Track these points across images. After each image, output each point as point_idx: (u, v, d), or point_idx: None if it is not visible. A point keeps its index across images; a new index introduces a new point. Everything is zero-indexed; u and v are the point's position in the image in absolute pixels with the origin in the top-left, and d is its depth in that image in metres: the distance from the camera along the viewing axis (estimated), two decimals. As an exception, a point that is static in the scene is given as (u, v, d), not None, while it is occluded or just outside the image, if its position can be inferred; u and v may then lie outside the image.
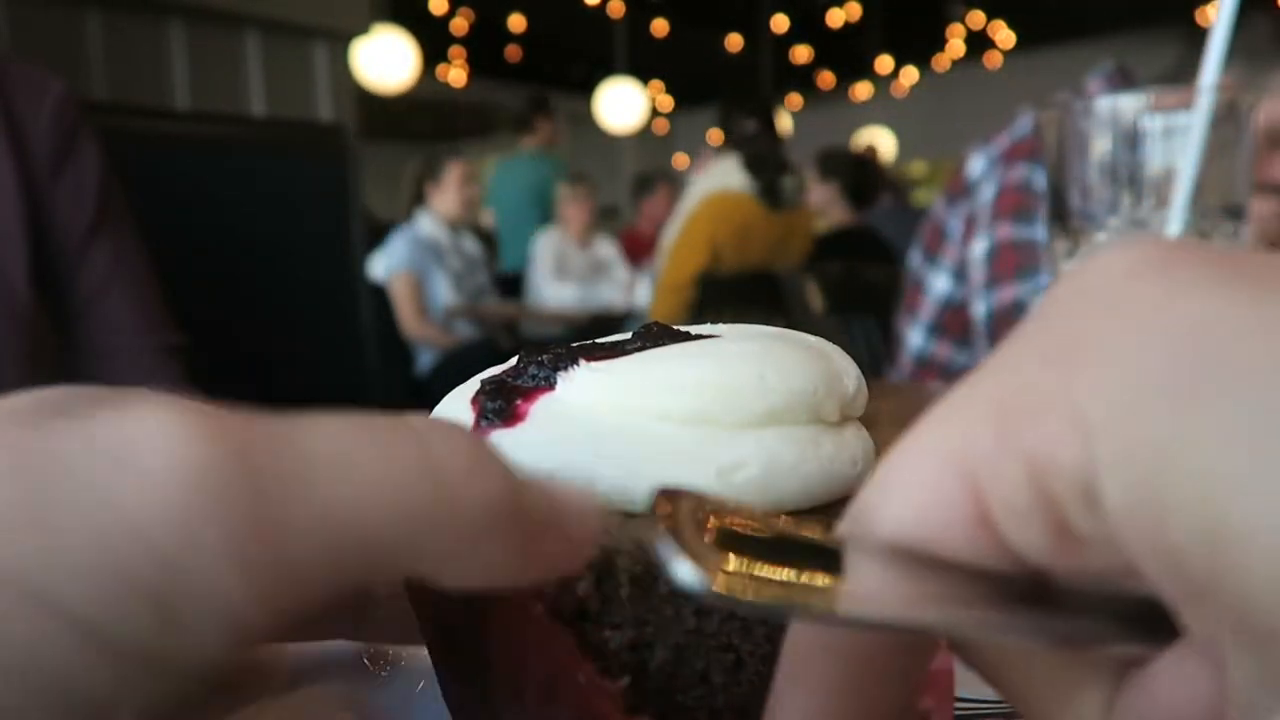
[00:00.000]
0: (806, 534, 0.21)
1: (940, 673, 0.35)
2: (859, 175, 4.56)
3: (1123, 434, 0.17)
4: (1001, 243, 1.83)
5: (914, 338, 2.07)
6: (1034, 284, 1.78)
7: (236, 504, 0.18)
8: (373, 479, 0.20)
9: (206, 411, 0.19)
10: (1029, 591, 0.20)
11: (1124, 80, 1.85)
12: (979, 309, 1.90)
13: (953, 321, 2.03)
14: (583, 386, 0.32)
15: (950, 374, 1.95)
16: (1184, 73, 1.81)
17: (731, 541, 0.19)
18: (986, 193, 1.90)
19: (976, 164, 1.99)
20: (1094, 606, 0.20)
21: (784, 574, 0.19)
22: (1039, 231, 1.78)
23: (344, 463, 0.20)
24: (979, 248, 1.89)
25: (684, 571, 0.18)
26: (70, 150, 1.11)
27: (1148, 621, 0.19)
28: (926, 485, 0.20)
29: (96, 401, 0.19)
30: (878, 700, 0.22)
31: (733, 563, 0.19)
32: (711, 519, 0.20)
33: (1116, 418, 0.17)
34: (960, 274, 1.99)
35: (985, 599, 0.19)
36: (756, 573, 0.19)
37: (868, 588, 0.19)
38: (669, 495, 0.20)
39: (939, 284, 2.04)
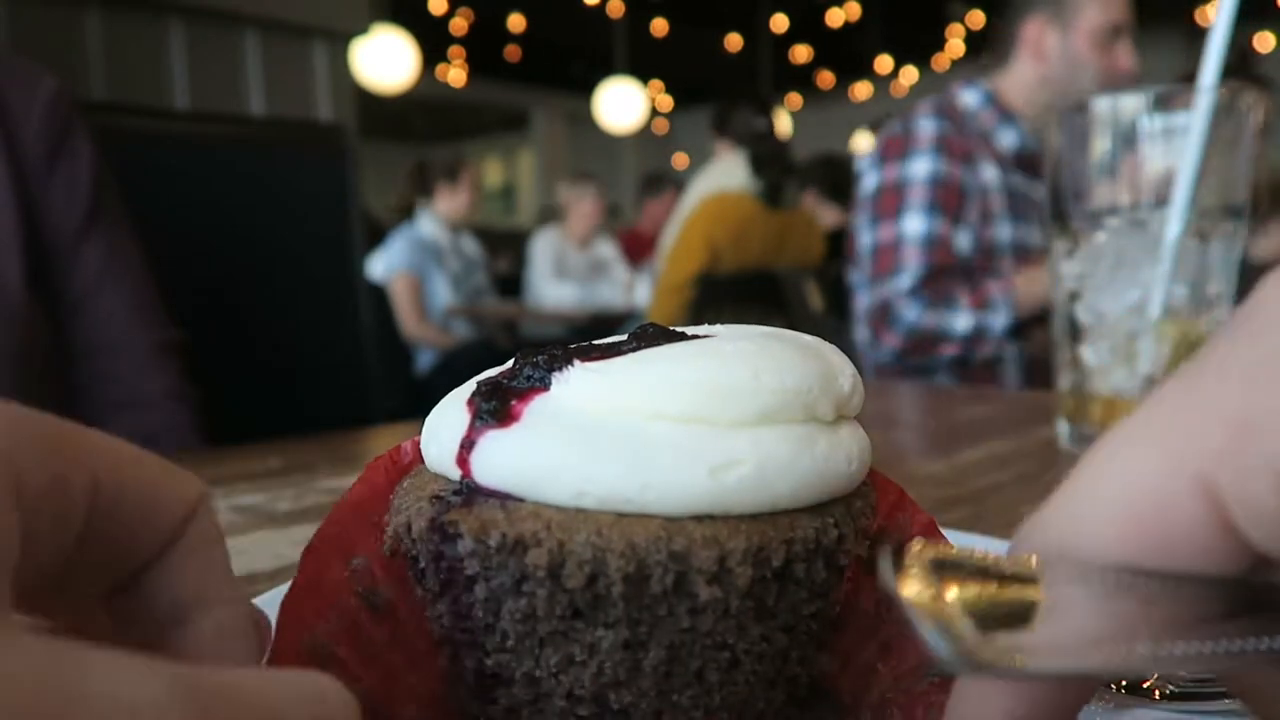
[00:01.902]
0: (1017, 571, 0.22)
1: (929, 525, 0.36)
2: (831, 173, 4.71)
3: None
4: (879, 243, 2.04)
5: (863, 335, 2.22)
6: (895, 285, 1.99)
7: None
8: None
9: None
10: (1251, 598, 0.20)
11: (979, 75, 2.19)
12: (863, 300, 2.12)
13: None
14: (577, 387, 0.31)
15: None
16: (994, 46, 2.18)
17: (964, 598, 0.21)
18: (869, 184, 2.11)
19: (862, 163, 2.24)
20: None
21: (1012, 640, 0.20)
22: (906, 224, 1.99)
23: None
24: (865, 240, 2.09)
25: (951, 657, 0.19)
26: (63, 146, 1.11)
27: None
28: (1149, 493, 0.20)
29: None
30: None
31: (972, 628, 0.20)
32: (940, 579, 0.21)
33: None
34: None
35: (1210, 615, 0.20)
36: (997, 643, 0.20)
37: (1090, 635, 0.20)
38: (898, 553, 0.22)
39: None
